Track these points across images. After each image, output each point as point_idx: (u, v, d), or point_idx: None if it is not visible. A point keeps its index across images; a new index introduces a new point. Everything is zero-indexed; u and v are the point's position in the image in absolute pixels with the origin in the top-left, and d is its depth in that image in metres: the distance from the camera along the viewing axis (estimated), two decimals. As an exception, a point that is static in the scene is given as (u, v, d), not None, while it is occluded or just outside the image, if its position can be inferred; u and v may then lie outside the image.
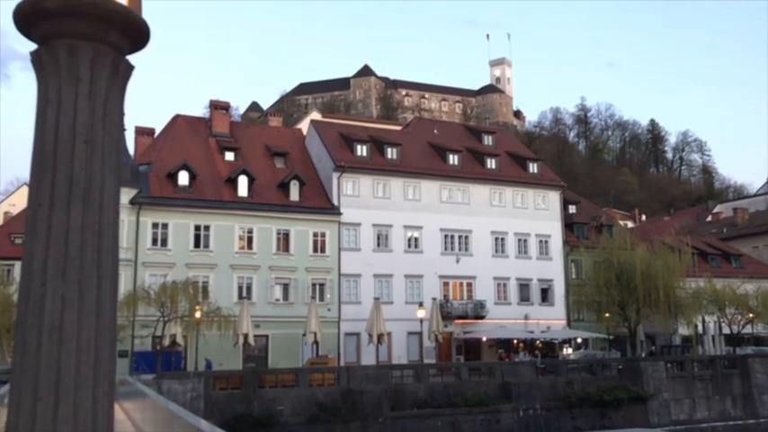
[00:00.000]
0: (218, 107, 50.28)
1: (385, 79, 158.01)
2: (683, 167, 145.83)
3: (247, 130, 52.90)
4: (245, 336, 35.74)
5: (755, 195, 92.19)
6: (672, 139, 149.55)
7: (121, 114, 1.83)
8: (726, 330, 46.31)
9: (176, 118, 49.60)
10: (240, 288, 42.05)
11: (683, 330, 49.18)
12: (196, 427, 9.30)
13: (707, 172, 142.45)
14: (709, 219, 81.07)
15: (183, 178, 42.55)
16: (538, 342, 48.42)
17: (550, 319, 50.02)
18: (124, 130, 42.70)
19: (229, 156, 46.60)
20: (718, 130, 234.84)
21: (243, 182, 43.85)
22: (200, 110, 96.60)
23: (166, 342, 34.55)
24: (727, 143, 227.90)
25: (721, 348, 46.49)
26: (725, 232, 68.28)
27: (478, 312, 47.82)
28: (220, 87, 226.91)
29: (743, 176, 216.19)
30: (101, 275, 1.68)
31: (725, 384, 39.23)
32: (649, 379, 36.63)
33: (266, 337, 41.43)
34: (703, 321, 46.52)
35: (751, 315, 44.86)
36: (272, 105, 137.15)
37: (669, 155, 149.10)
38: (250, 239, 43.08)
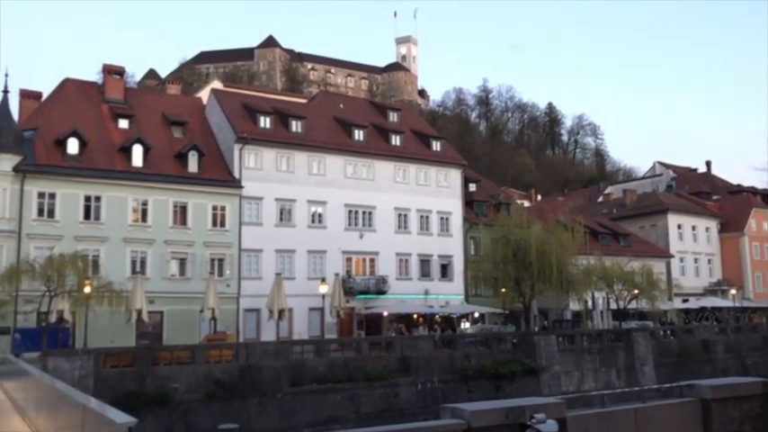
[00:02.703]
0: (112, 72, 47.50)
1: (290, 51, 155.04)
2: (577, 150, 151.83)
3: (143, 98, 50.43)
4: (139, 312, 34.54)
5: (643, 178, 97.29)
6: (568, 123, 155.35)
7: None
8: (613, 306, 48.51)
9: (66, 82, 46.61)
10: (134, 262, 40.23)
11: (574, 306, 51.26)
12: (84, 405, 8.69)
13: (599, 155, 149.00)
14: (600, 199, 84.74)
15: (73, 146, 40.14)
16: (437, 317, 49.17)
17: (449, 295, 50.98)
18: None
19: (123, 123, 44.32)
20: (610, 115, 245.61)
21: (137, 151, 41.86)
22: (92, 76, 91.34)
23: (53, 318, 32.73)
24: (618, 127, 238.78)
25: (608, 323, 48.71)
26: (614, 212, 71.51)
27: (380, 288, 48.02)
28: (115, 54, 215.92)
29: (632, 160, 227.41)
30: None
31: (611, 357, 41.00)
32: (542, 352, 37.64)
33: (161, 313, 40.05)
34: (593, 297, 48.56)
35: (636, 291, 47.14)
36: (171, 74, 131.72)
37: (565, 137, 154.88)
38: (144, 212, 41.24)
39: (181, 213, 42.32)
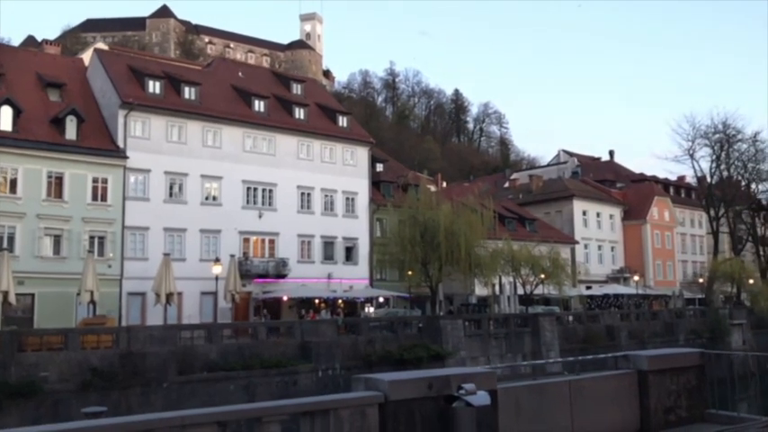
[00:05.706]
0: (-23, 24, 42.67)
1: (186, 23, 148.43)
2: (482, 138, 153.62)
3: (16, 56, 45.60)
4: (5, 294, 30.90)
5: (548, 165, 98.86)
6: (474, 110, 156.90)
7: None
8: (520, 291, 48.09)
9: None
10: (0, 238, 36.34)
11: (480, 290, 50.56)
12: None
13: (504, 144, 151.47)
14: (506, 185, 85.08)
15: (-72, 105, 35.94)
16: (340, 301, 47.24)
17: (354, 278, 49.07)
18: None
19: (-10, 82, 39.99)
20: (515, 104, 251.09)
21: (6, 113, 37.85)
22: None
23: None
24: (523, 117, 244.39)
25: (515, 308, 48.25)
26: (521, 198, 71.60)
27: (280, 271, 45.55)
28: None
29: (536, 150, 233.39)
30: None
31: (517, 342, 40.39)
32: (448, 337, 36.69)
33: (32, 296, 36.54)
34: (500, 281, 47.88)
35: (543, 276, 46.84)
36: (54, 41, 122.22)
37: (470, 125, 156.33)
38: (14, 182, 37.37)
39: (56, 185, 38.64)
